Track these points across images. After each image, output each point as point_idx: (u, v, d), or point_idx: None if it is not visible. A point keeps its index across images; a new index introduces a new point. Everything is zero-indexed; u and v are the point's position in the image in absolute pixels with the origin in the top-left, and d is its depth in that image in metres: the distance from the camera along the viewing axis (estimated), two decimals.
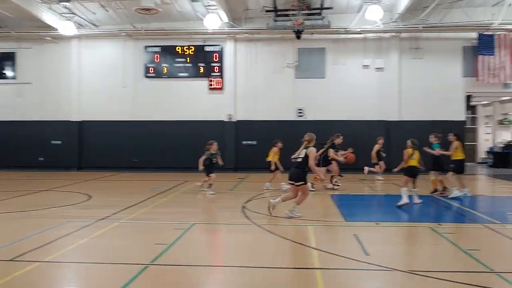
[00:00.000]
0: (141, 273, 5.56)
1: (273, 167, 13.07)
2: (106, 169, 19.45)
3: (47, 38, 20.08)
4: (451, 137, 12.07)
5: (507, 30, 18.25)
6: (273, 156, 13.17)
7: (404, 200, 10.05)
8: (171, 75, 20.09)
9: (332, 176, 13.65)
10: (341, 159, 13.24)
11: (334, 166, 13.42)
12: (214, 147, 12.60)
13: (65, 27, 18.33)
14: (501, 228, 8.18)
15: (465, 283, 5.27)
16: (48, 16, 18.31)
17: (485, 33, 18.40)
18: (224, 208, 10.67)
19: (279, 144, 13.31)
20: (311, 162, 8.73)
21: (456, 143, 11.87)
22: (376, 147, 16.05)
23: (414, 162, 10.39)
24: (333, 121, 19.06)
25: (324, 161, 13.10)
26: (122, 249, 6.87)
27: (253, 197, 11.92)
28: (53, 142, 20.61)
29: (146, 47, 20.16)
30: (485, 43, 18.41)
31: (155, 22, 19.36)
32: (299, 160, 8.84)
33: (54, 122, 20.65)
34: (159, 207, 10.57)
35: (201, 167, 12.43)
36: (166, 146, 19.96)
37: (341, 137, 13.64)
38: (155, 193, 12.72)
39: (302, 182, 8.80)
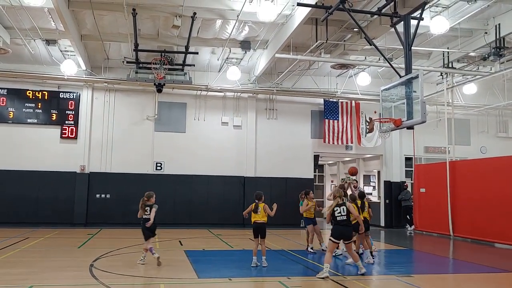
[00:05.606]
0: None
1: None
2: None
3: None
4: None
5: (348, 98, 20.54)
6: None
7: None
8: (18, 121, 18.38)
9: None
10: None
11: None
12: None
13: None
14: (342, 280, 8.78)
15: None
16: None
17: (330, 99, 20.48)
18: (69, 267, 9.75)
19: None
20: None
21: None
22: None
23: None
24: (192, 176, 19.24)
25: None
26: None
27: (103, 255, 11.17)
28: None
29: None
30: (330, 109, 20.44)
31: (3, 63, 17.89)
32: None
33: None
34: None
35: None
36: (5, 198, 17.85)
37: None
38: None
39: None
